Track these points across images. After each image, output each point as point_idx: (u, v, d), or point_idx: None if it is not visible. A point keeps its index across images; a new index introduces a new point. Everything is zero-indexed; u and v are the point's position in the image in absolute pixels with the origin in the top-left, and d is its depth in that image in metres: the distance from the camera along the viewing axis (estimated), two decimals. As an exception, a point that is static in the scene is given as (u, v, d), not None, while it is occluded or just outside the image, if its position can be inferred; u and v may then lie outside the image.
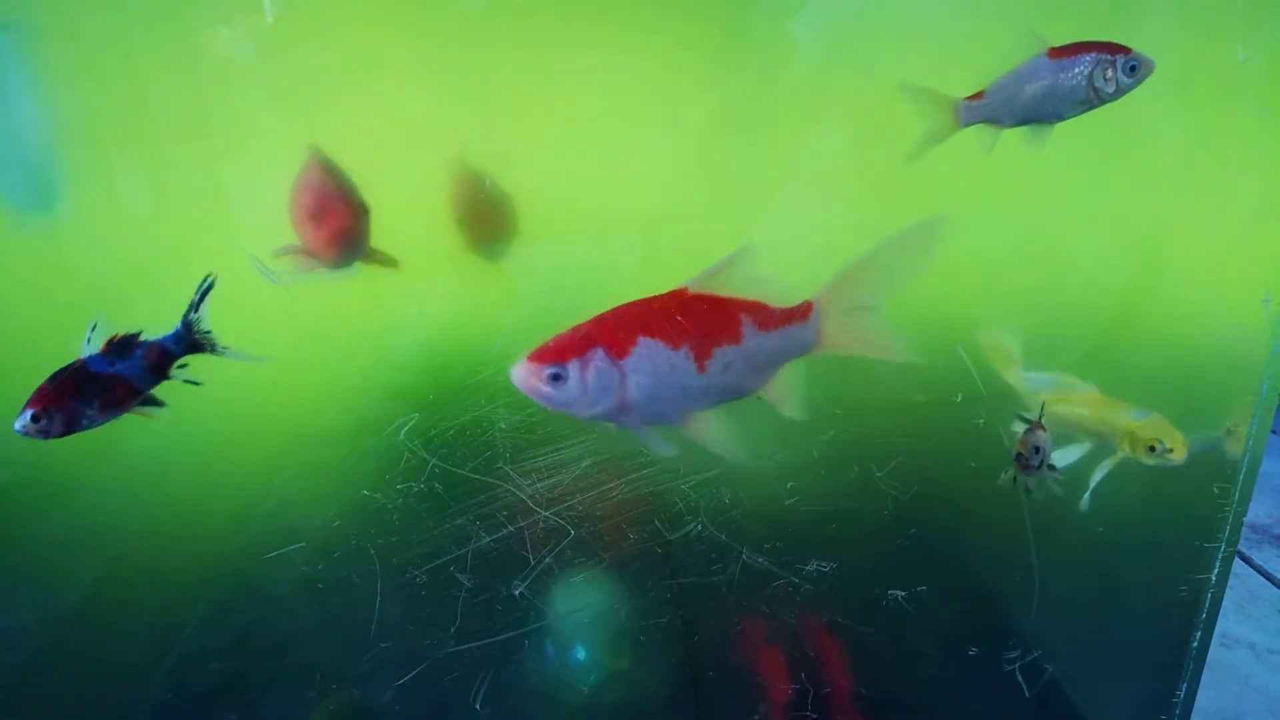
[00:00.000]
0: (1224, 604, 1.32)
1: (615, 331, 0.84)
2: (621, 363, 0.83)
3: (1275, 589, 2.37)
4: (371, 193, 1.10)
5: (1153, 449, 1.22)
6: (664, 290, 0.89)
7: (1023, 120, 1.06)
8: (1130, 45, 1.16)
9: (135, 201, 1.14)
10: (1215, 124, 1.18)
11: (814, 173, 1.21)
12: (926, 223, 0.91)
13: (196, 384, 0.98)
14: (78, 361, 0.90)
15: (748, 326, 0.88)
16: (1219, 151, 1.20)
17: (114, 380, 0.91)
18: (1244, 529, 1.29)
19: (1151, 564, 1.33)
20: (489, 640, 1.21)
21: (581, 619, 1.25)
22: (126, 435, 1.21)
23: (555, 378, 0.81)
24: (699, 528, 1.23)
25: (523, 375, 0.83)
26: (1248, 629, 2.17)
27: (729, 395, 0.91)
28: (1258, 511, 2.71)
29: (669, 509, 1.22)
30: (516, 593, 1.20)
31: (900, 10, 1.18)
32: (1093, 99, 1.03)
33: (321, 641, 1.24)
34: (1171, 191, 1.24)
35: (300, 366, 1.20)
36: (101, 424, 0.91)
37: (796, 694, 1.29)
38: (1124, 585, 1.37)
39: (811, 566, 1.25)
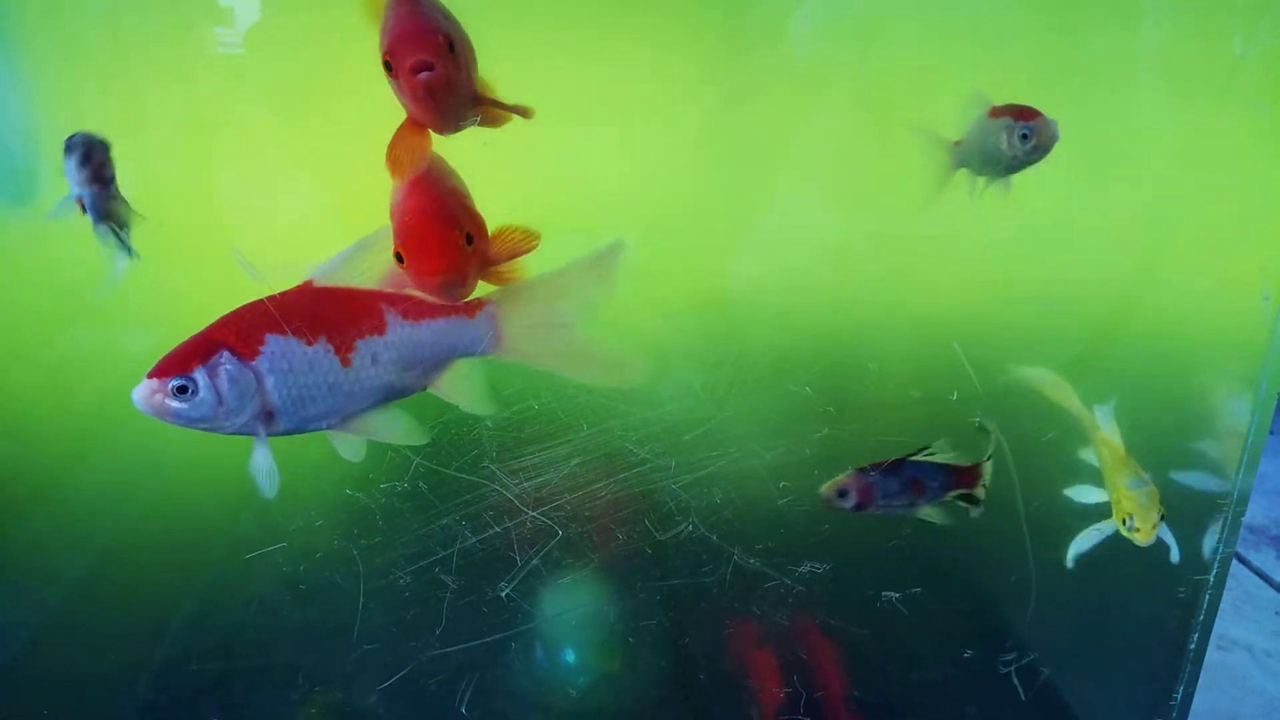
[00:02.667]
0: (1221, 605, 1.31)
1: (240, 331, 0.77)
2: (254, 363, 0.76)
3: (1273, 590, 2.36)
4: (366, 195, 1.07)
5: (1124, 522, 1.21)
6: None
7: (980, 171, 1.10)
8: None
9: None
10: (1212, 119, 1.17)
11: (810, 173, 1.20)
12: (611, 246, 0.90)
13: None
14: None
15: (391, 316, 0.83)
16: (1216, 147, 1.19)
17: None
18: (1242, 530, 1.27)
19: (1148, 566, 1.31)
20: (475, 643, 1.20)
21: (569, 621, 1.24)
22: (109, 436, 1.19)
23: (182, 390, 0.74)
24: (690, 528, 1.21)
25: (145, 395, 0.74)
26: (1245, 630, 2.16)
27: (390, 393, 0.85)
28: (1255, 513, 2.71)
29: (659, 509, 1.20)
30: (503, 594, 1.19)
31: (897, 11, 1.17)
32: (1008, 160, 1.05)
33: (305, 643, 1.23)
34: (1168, 187, 1.23)
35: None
36: None
37: (789, 697, 1.28)
38: (1120, 587, 1.36)
39: (804, 567, 1.24)
